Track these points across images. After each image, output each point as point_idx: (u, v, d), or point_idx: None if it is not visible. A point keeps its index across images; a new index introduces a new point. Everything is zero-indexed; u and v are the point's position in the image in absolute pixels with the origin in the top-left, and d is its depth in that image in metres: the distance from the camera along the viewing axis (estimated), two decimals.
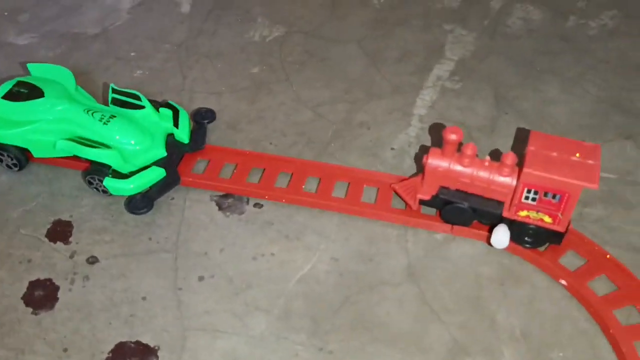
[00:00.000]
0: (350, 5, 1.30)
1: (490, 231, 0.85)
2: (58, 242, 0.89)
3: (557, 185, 0.77)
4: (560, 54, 1.19)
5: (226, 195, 0.94)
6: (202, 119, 1.03)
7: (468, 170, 0.83)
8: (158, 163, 0.94)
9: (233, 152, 0.99)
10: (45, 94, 0.95)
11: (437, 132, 1.03)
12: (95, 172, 0.92)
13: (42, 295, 0.83)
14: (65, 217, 0.92)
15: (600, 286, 0.82)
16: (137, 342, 0.78)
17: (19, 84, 0.97)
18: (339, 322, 0.80)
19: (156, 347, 0.77)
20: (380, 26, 1.25)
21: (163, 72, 1.16)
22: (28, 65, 1.01)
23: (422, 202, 0.88)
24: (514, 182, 0.81)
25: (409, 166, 0.99)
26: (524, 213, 0.82)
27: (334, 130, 1.05)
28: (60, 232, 0.90)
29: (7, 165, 0.97)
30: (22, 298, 0.83)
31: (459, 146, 0.83)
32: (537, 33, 1.23)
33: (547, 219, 0.81)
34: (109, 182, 0.91)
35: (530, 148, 0.79)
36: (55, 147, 0.92)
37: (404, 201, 0.90)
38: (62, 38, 1.24)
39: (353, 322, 0.80)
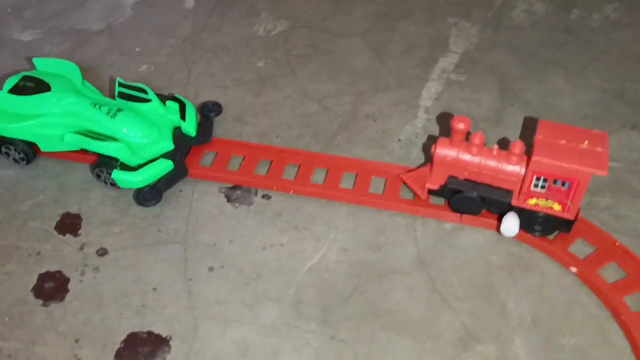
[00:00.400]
0: None
1: (500, 220, 0.85)
2: (67, 235, 0.89)
3: (566, 172, 0.77)
4: (564, 45, 1.19)
5: (234, 187, 0.95)
6: (208, 112, 1.03)
7: (476, 159, 0.83)
8: (165, 156, 0.94)
9: (240, 144, 1.00)
10: (51, 88, 0.95)
11: (444, 122, 1.04)
12: (104, 165, 0.92)
13: (52, 287, 0.83)
14: (73, 209, 0.92)
15: (610, 273, 0.82)
16: (149, 332, 0.78)
17: (25, 78, 0.97)
18: (349, 311, 0.80)
19: (168, 337, 0.77)
20: (384, 20, 1.26)
21: (168, 67, 1.17)
22: (34, 59, 1.01)
23: (431, 192, 0.89)
24: (523, 171, 0.81)
25: (416, 157, 0.99)
26: (533, 201, 0.82)
27: (340, 123, 1.05)
28: (69, 224, 0.90)
29: (15, 160, 0.97)
30: (32, 290, 0.83)
31: (467, 135, 0.84)
32: (541, 25, 1.24)
33: (557, 206, 0.81)
34: (117, 175, 0.91)
35: (539, 136, 0.79)
36: (63, 141, 0.92)
37: (413, 191, 0.90)
38: (66, 34, 1.24)
39: (363, 310, 0.80)
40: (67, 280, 0.84)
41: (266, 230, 0.89)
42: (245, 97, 1.10)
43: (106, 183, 0.93)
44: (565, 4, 1.28)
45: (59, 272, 0.84)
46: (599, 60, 1.16)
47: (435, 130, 1.03)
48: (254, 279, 0.83)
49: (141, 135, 0.93)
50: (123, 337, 0.77)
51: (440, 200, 0.90)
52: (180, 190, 0.94)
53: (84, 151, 0.95)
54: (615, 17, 1.25)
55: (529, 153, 0.80)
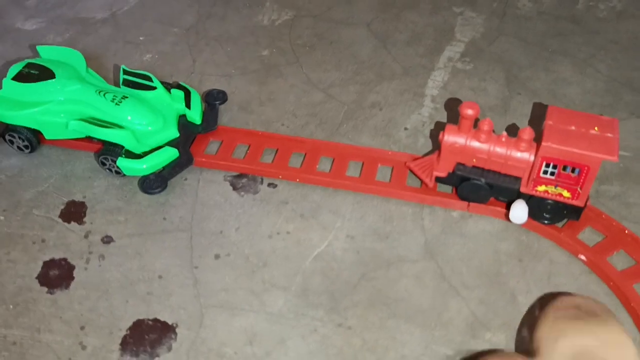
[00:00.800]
0: None
1: (508, 208, 0.84)
2: (72, 222, 0.88)
3: (576, 158, 0.76)
4: (571, 35, 1.18)
5: (240, 176, 0.94)
6: (213, 100, 1.03)
7: (485, 146, 0.83)
8: (171, 144, 0.93)
9: (245, 132, 0.99)
10: (56, 75, 0.94)
11: (450, 111, 1.03)
12: (109, 152, 0.91)
13: (57, 275, 0.82)
14: (78, 198, 0.91)
15: (619, 261, 0.81)
16: (155, 320, 0.77)
17: (29, 65, 0.96)
18: (357, 299, 0.79)
19: (174, 324, 0.77)
20: (389, 9, 1.25)
21: (173, 56, 1.16)
22: (38, 47, 1.00)
23: (439, 180, 0.88)
24: (532, 157, 0.81)
25: (423, 145, 0.98)
26: (542, 188, 0.81)
27: (346, 111, 1.04)
28: (74, 212, 0.89)
29: (19, 147, 0.96)
30: (36, 278, 0.82)
31: (475, 122, 0.83)
32: (547, 15, 1.23)
33: (566, 193, 0.80)
34: (122, 162, 0.90)
35: (548, 122, 0.78)
36: (68, 128, 0.91)
37: (420, 179, 0.90)
38: (70, 23, 1.23)
39: (371, 298, 0.79)
40: (73, 267, 0.83)
41: (272, 219, 0.88)
42: (251, 86, 1.09)
43: (111, 171, 0.93)
44: None
45: (64, 259, 0.84)
46: (606, 49, 1.15)
47: (442, 118, 1.02)
48: (260, 266, 0.83)
49: (146, 123, 0.92)
50: (129, 324, 0.77)
51: (447, 189, 0.90)
52: (186, 179, 0.94)
53: (88, 139, 0.94)
54: (622, 6, 1.24)
55: (538, 140, 0.79)
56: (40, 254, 0.84)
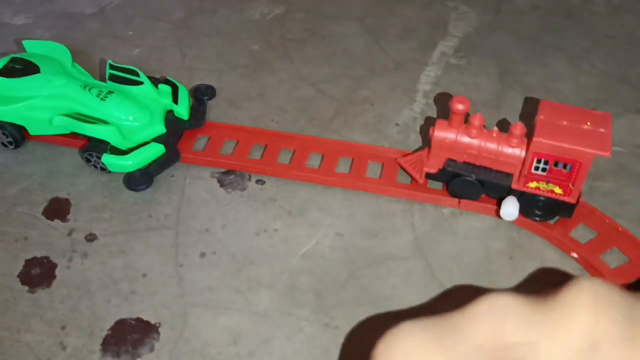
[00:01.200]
0: None
1: (499, 204, 0.83)
2: (55, 220, 0.86)
3: (568, 153, 0.74)
4: (566, 29, 1.17)
5: (227, 172, 0.92)
6: (202, 95, 1.01)
7: (476, 142, 0.81)
8: (157, 140, 0.92)
9: (234, 128, 0.97)
10: (41, 70, 0.92)
11: (442, 106, 1.01)
12: (94, 148, 0.89)
13: (38, 274, 0.80)
14: (62, 195, 0.90)
15: (613, 259, 0.80)
16: (138, 319, 0.76)
17: (14, 60, 0.94)
18: (344, 297, 0.78)
19: (157, 324, 0.75)
20: (381, 3, 1.23)
21: (162, 51, 1.14)
22: (23, 42, 0.99)
23: (429, 176, 0.86)
24: (523, 153, 0.79)
25: (414, 142, 0.97)
26: (533, 184, 0.80)
27: (337, 107, 1.03)
28: (57, 210, 0.88)
29: (3, 143, 0.95)
30: (17, 276, 0.80)
31: (466, 117, 0.81)
32: (542, 9, 1.21)
33: (558, 189, 0.79)
34: (107, 159, 0.88)
35: (540, 117, 0.77)
36: (52, 123, 0.89)
37: (410, 175, 0.88)
38: (58, 18, 1.21)
39: (359, 296, 0.78)
40: (55, 266, 0.81)
41: (260, 216, 0.87)
42: (240, 81, 1.08)
43: (96, 167, 0.91)
44: None
45: (46, 257, 0.82)
46: (601, 44, 1.13)
47: (434, 114, 1.01)
48: (246, 265, 0.81)
49: (132, 119, 0.91)
50: (111, 324, 0.75)
51: (438, 185, 0.88)
52: (172, 175, 0.92)
53: (74, 135, 0.92)
54: (618, 1, 1.23)
55: (529, 135, 0.77)
56: (22, 252, 0.83)
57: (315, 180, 0.90)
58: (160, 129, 0.93)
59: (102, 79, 0.97)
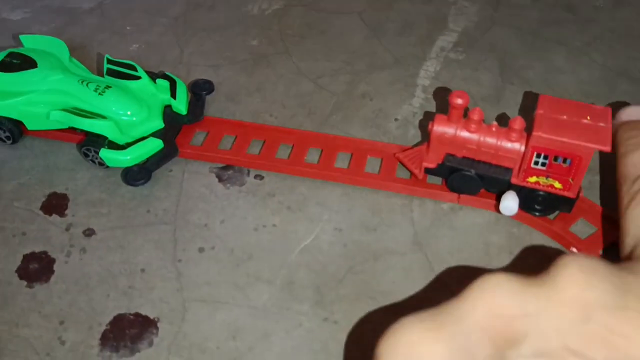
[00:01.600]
0: None
1: (498, 199, 0.82)
2: (54, 215, 0.86)
3: (568, 148, 0.74)
4: (566, 24, 1.16)
5: (226, 167, 0.92)
6: (200, 90, 1.01)
7: (475, 136, 0.81)
8: (155, 134, 0.91)
9: (233, 123, 0.97)
10: (38, 65, 0.92)
11: (442, 101, 1.01)
12: (91, 143, 0.89)
13: (37, 269, 0.80)
14: (60, 190, 0.89)
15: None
16: (136, 314, 0.75)
17: (11, 54, 0.94)
18: (343, 292, 0.77)
19: (156, 319, 0.75)
20: None
21: (160, 46, 1.14)
22: (20, 36, 0.98)
23: (428, 171, 0.86)
24: (523, 147, 0.79)
25: (414, 137, 0.96)
26: (533, 179, 0.79)
27: (335, 102, 1.02)
28: (55, 205, 0.87)
29: (0, 139, 0.94)
30: (16, 271, 0.80)
31: (465, 111, 0.81)
32: (542, 3, 1.21)
33: (558, 184, 0.79)
34: (105, 154, 0.88)
35: (539, 111, 0.76)
36: (49, 118, 0.89)
37: (409, 170, 0.88)
38: (56, 13, 1.21)
39: (358, 291, 0.77)
40: (53, 261, 0.81)
41: (258, 211, 0.87)
42: (239, 76, 1.07)
43: (94, 162, 0.91)
44: None
45: (45, 252, 0.82)
46: (601, 38, 1.13)
47: (433, 109, 1.00)
48: (245, 260, 0.81)
49: (130, 113, 0.90)
50: (109, 318, 0.75)
51: (436, 180, 0.88)
52: (170, 170, 0.92)
53: (71, 130, 0.92)
54: None
55: (529, 129, 0.77)
56: (20, 247, 0.83)
57: (314, 175, 0.90)
58: (159, 123, 0.92)
59: (100, 74, 0.96)
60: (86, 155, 0.91)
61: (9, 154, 0.94)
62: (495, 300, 0.44)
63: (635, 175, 0.63)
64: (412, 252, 0.81)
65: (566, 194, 0.79)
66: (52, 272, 0.80)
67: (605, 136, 0.73)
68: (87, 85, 0.90)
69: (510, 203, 0.80)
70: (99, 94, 0.90)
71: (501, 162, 0.81)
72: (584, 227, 0.82)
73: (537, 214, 0.82)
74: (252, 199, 0.88)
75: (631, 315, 0.41)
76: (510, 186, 0.82)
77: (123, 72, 0.94)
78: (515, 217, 0.83)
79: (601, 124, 0.75)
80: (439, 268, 0.80)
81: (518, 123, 0.78)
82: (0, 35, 1.15)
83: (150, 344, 0.73)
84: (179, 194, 0.89)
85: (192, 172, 0.92)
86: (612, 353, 0.41)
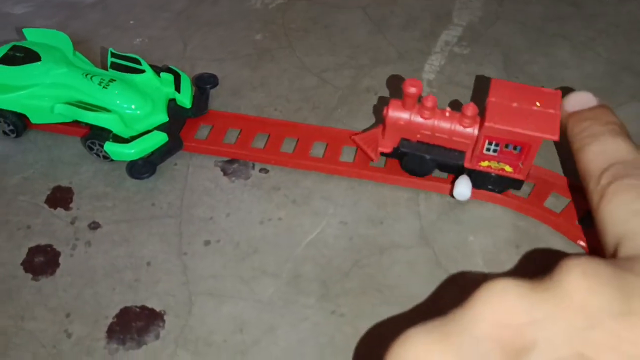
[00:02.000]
0: None
1: (453, 183, 0.84)
2: (58, 209, 0.86)
3: (518, 137, 0.75)
4: (570, 18, 1.16)
5: (231, 161, 0.92)
6: (204, 84, 1.00)
7: (429, 122, 0.81)
8: (160, 128, 0.91)
9: (237, 117, 0.97)
10: (42, 58, 0.92)
11: (446, 95, 1.01)
12: (96, 136, 0.89)
13: (42, 262, 0.80)
14: (65, 183, 0.89)
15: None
16: (143, 307, 0.75)
17: (15, 48, 0.93)
18: (349, 285, 0.77)
19: (162, 312, 0.75)
20: None
21: (163, 40, 1.13)
22: (24, 30, 0.98)
23: (384, 155, 0.87)
24: (476, 132, 0.80)
25: None
26: (485, 163, 0.81)
27: (340, 96, 1.02)
28: (60, 198, 0.87)
29: (4, 132, 0.94)
30: (21, 264, 0.80)
31: (419, 98, 0.81)
32: None
33: (508, 168, 0.81)
34: (110, 147, 0.88)
35: (491, 99, 0.77)
36: (54, 112, 0.89)
37: (365, 153, 0.88)
38: (59, 7, 1.21)
39: (364, 285, 0.77)
40: (58, 254, 0.81)
41: (263, 205, 0.86)
42: (243, 71, 1.07)
43: (98, 156, 0.91)
44: None
45: (50, 246, 0.82)
46: (606, 32, 1.13)
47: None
48: (250, 253, 0.81)
49: (134, 107, 0.90)
50: (115, 311, 0.75)
51: (443, 174, 0.87)
52: (175, 164, 0.91)
53: (76, 124, 0.92)
54: None
55: (482, 114, 0.78)
56: (25, 240, 0.82)
57: (319, 169, 0.90)
58: (163, 117, 0.92)
59: (104, 68, 0.96)
60: (91, 149, 0.90)
61: (13, 147, 0.94)
62: (502, 307, 0.43)
63: (598, 171, 0.63)
64: (418, 246, 0.81)
65: (516, 176, 0.81)
66: (58, 265, 0.80)
67: (554, 124, 0.74)
68: (91, 78, 0.90)
69: (463, 189, 0.82)
70: (103, 87, 0.89)
71: (455, 147, 0.83)
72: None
73: (490, 190, 0.85)
74: (257, 192, 0.88)
75: (636, 321, 0.41)
76: (463, 169, 0.83)
77: (127, 66, 0.94)
78: (521, 210, 0.83)
79: (550, 111, 0.75)
80: (445, 262, 0.79)
81: (470, 109, 0.79)
82: (3, 29, 1.15)
83: (157, 336, 0.73)
84: (184, 187, 0.88)
85: (197, 165, 0.91)
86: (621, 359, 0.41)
